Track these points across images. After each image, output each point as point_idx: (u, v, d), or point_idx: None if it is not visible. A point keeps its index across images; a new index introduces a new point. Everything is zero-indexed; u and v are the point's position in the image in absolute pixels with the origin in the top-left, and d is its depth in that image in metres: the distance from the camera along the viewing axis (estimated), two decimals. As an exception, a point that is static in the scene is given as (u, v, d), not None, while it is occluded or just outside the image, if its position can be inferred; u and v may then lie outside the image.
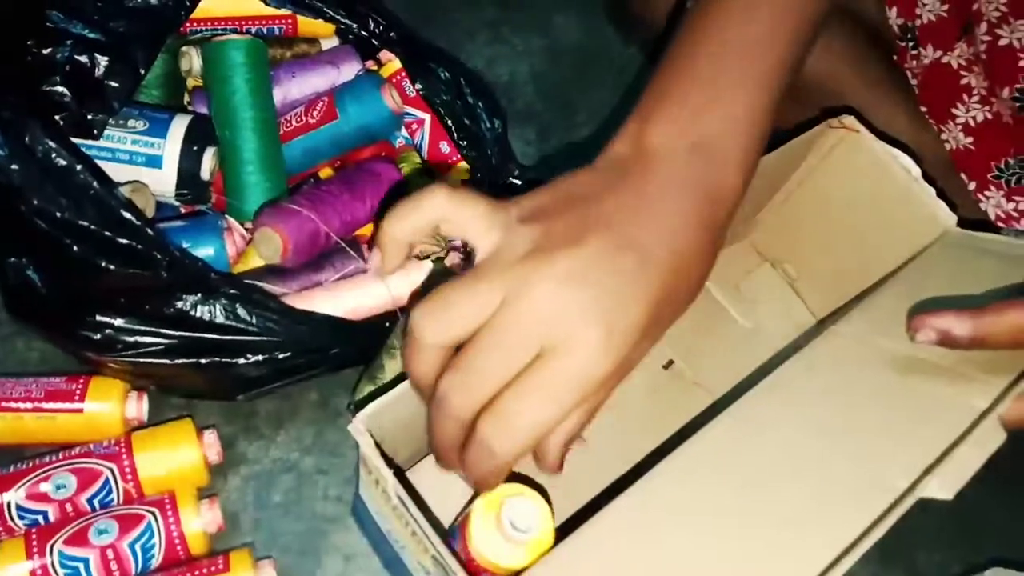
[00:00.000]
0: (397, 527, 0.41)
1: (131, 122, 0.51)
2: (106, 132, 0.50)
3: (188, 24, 0.58)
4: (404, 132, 0.62)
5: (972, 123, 0.65)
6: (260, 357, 0.49)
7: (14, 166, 0.42)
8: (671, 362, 0.59)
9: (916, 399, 0.40)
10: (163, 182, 0.52)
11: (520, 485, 0.39)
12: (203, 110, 0.58)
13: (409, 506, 0.37)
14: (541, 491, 0.39)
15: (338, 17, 0.58)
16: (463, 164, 0.60)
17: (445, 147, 0.60)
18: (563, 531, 0.36)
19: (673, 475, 0.38)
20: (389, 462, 0.38)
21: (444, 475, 0.37)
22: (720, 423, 0.39)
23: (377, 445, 0.38)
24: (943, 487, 0.35)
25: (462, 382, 0.32)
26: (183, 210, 0.56)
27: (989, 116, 0.64)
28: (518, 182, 0.58)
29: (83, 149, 0.45)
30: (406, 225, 0.35)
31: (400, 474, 0.38)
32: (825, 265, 0.61)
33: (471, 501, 0.39)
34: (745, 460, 0.38)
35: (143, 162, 0.52)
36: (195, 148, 0.53)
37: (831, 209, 0.59)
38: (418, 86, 0.60)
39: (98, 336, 0.46)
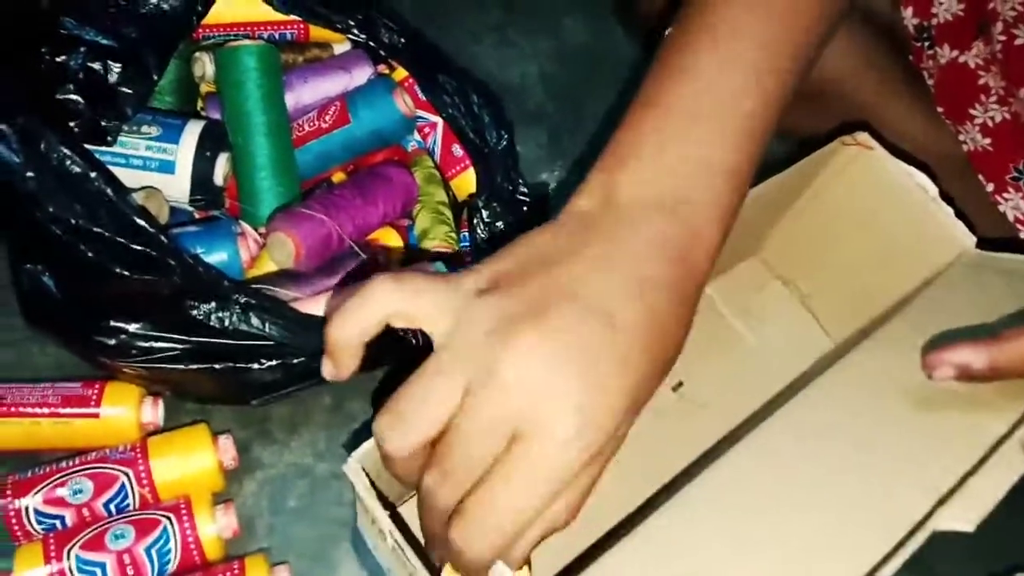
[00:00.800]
0: (394, 564, 0.40)
1: (144, 128, 0.52)
2: (120, 138, 0.51)
3: (200, 30, 0.58)
4: (417, 136, 0.62)
5: (990, 124, 0.64)
6: (273, 362, 0.49)
7: (29, 173, 0.43)
8: (680, 383, 0.58)
9: (933, 428, 0.39)
10: (177, 187, 0.52)
11: None
12: (216, 116, 0.58)
13: (406, 550, 0.36)
14: None
15: (347, 27, 0.58)
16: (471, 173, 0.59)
17: (458, 150, 0.60)
18: (573, 568, 0.36)
19: (689, 506, 0.37)
20: (384, 499, 0.37)
21: None
22: (735, 454, 0.39)
23: (373, 484, 0.37)
24: (964, 519, 0.35)
25: (443, 481, 0.31)
26: (197, 216, 0.56)
27: (1007, 117, 0.63)
28: (525, 197, 0.58)
29: (97, 155, 0.45)
30: (353, 328, 0.32)
31: (394, 511, 0.38)
32: (838, 283, 0.60)
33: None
34: (761, 491, 0.38)
35: (156, 167, 0.52)
36: (208, 153, 0.53)
37: (844, 227, 0.58)
38: (427, 96, 0.60)
39: (113, 342, 0.46)
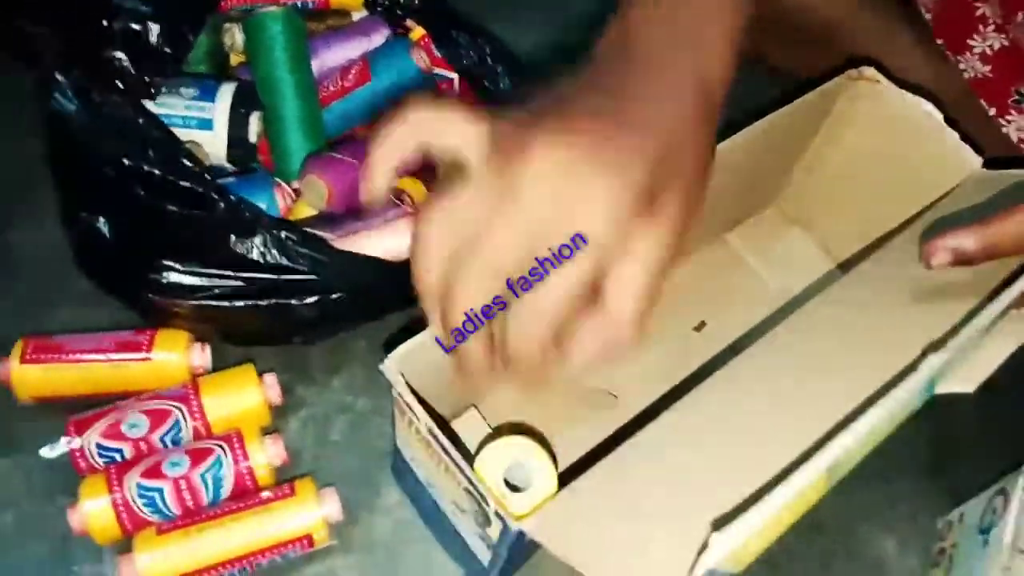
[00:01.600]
0: (431, 468, 0.42)
1: (183, 89, 0.55)
2: (160, 99, 0.54)
3: (229, 2, 0.62)
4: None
5: (989, 51, 0.66)
6: (314, 298, 0.52)
7: (85, 121, 0.46)
8: (703, 323, 0.61)
9: (927, 308, 0.41)
10: (215, 144, 0.56)
11: (524, 438, 0.40)
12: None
13: (440, 437, 0.38)
14: (547, 446, 0.40)
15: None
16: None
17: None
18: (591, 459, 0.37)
19: (702, 398, 0.40)
20: (425, 406, 0.39)
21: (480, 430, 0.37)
22: (748, 355, 0.41)
23: (411, 389, 0.39)
24: (966, 381, 0.37)
25: (473, 274, 0.32)
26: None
27: (1006, 43, 0.65)
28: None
29: (141, 113, 0.49)
30: (390, 147, 0.34)
31: (441, 422, 0.39)
32: (857, 224, 0.61)
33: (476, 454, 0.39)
34: (771, 376, 0.40)
35: (196, 125, 0.55)
36: (243, 110, 0.56)
37: (859, 165, 0.60)
38: (442, 52, 0.63)
39: (163, 280, 0.49)
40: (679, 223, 0.34)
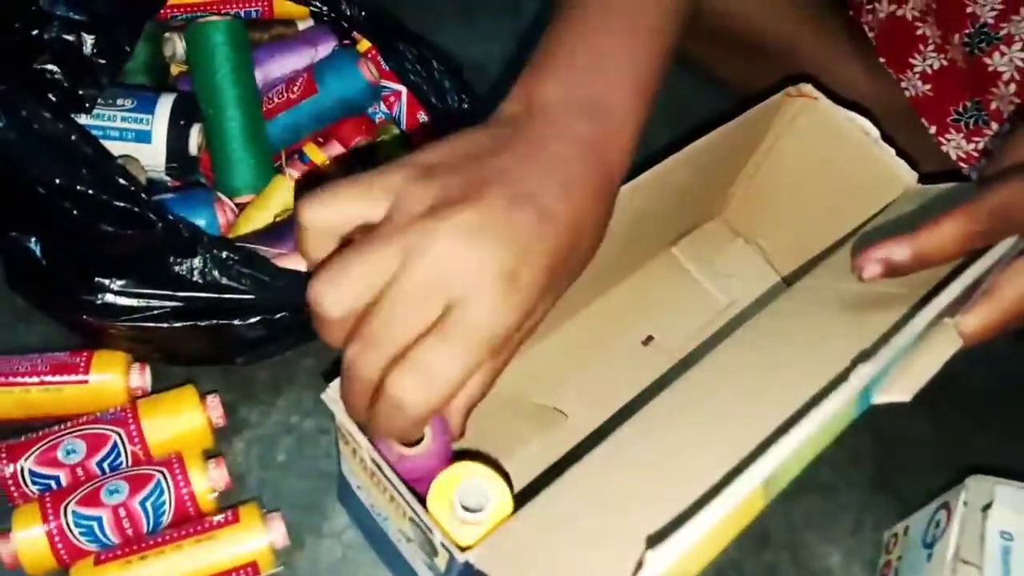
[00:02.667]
0: (377, 497, 0.42)
1: (119, 100, 0.53)
2: (96, 111, 0.52)
3: (168, 10, 0.60)
4: (383, 107, 0.64)
5: (929, 71, 0.67)
6: (256, 318, 0.51)
7: (12, 138, 0.44)
8: (650, 338, 0.61)
9: (859, 319, 0.41)
10: (153, 156, 0.54)
11: (475, 464, 0.39)
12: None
13: (383, 468, 0.38)
14: (499, 468, 0.40)
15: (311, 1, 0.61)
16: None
17: (423, 117, 0.63)
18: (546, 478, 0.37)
19: (652, 415, 0.40)
20: (365, 431, 0.38)
21: None
22: (694, 371, 0.42)
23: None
24: (902, 391, 0.37)
25: (367, 346, 0.32)
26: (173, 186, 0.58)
27: (945, 63, 0.67)
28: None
29: (75, 127, 0.47)
30: (312, 249, 0.34)
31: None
32: (797, 236, 0.62)
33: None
34: (715, 391, 0.41)
35: (133, 138, 0.54)
36: (182, 122, 0.55)
37: (798, 179, 0.61)
38: (389, 65, 0.62)
39: (98, 301, 0.47)
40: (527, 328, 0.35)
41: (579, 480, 0.37)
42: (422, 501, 0.37)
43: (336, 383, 0.40)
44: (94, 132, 0.53)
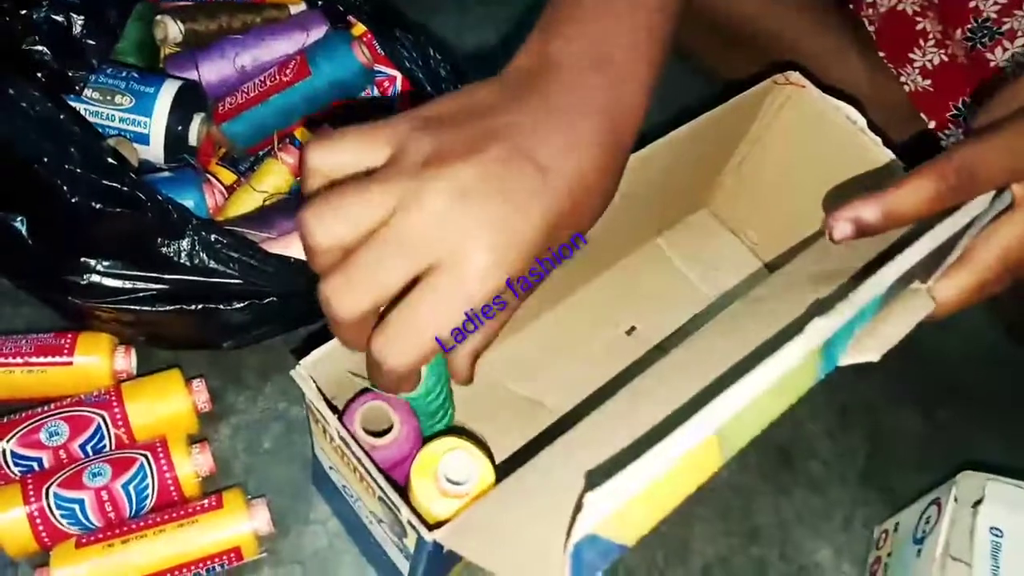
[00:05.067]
0: (347, 475, 0.42)
1: (117, 98, 0.53)
2: (93, 109, 0.52)
3: (161, -8, 0.60)
4: (377, 92, 0.64)
5: (929, 66, 0.67)
6: (243, 303, 0.50)
7: (0, 117, 0.44)
8: (633, 328, 0.61)
9: (830, 285, 0.41)
10: (151, 155, 0.54)
11: (457, 439, 0.39)
12: (181, 75, 0.59)
13: (351, 445, 0.37)
14: (484, 446, 0.40)
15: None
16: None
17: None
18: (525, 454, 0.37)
19: (625, 399, 0.40)
20: (335, 411, 0.38)
21: None
22: (664, 360, 0.42)
23: (323, 396, 0.39)
24: (872, 351, 0.36)
25: (345, 283, 0.32)
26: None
27: (945, 58, 0.66)
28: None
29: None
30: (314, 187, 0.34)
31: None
32: (784, 227, 0.62)
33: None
34: (683, 380, 0.40)
35: (131, 139, 0.53)
36: (182, 119, 0.54)
37: (785, 169, 0.61)
38: (384, 50, 0.61)
39: (83, 282, 0.47)
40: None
41: (549, 460, 0.37)
42: (399, 490, 0.37)
43: (307, 360, 0.40)
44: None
